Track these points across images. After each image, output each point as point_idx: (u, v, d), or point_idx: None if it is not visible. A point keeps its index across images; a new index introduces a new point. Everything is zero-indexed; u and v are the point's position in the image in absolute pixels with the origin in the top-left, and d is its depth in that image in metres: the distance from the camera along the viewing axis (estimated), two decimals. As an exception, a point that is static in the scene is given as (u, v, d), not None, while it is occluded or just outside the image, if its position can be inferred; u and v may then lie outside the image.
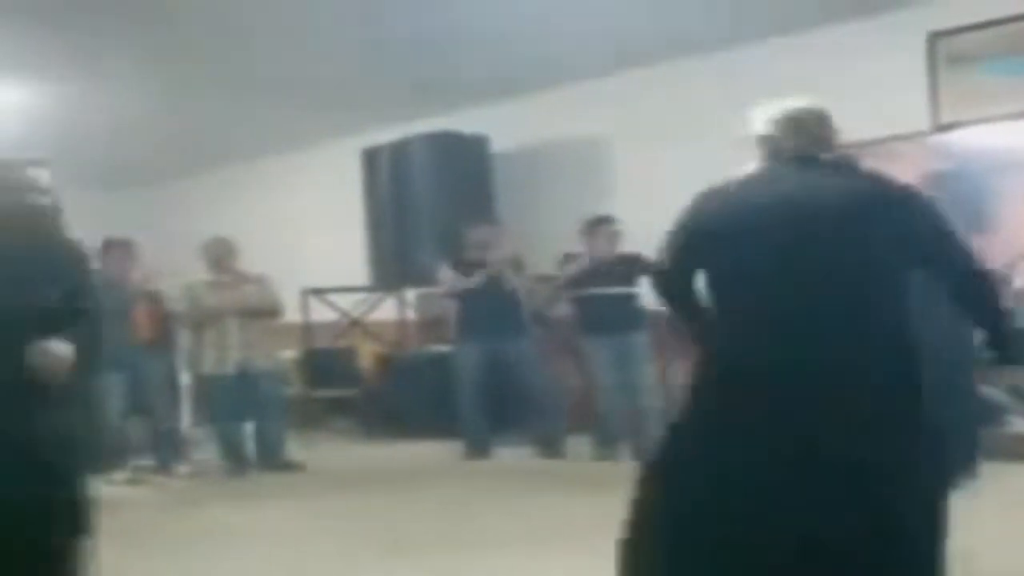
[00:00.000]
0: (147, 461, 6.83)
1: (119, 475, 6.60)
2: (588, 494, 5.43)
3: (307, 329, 8.45)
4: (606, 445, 6.49)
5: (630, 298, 6.43)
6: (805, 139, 2.85)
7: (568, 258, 6.62)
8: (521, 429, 6.92)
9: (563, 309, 6.99)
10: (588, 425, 7.02)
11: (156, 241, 7.75)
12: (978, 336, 4.84)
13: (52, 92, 7.09)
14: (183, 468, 6.77)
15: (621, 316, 6.38)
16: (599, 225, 6.55)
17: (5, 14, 5.55)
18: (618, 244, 6.50)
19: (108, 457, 6.67)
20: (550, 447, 6.68)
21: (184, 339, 7.19)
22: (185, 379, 7.31)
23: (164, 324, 6.80)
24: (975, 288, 2.72)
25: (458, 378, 6.88)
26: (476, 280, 6.70)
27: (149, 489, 6.46)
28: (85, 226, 8.36)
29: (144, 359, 6.70)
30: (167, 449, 6.85)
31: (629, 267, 6.32)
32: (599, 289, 6.40)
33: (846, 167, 2.86)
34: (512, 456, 6.76)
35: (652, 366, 6.47)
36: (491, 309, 6.66)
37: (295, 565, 4.30)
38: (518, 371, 6.72)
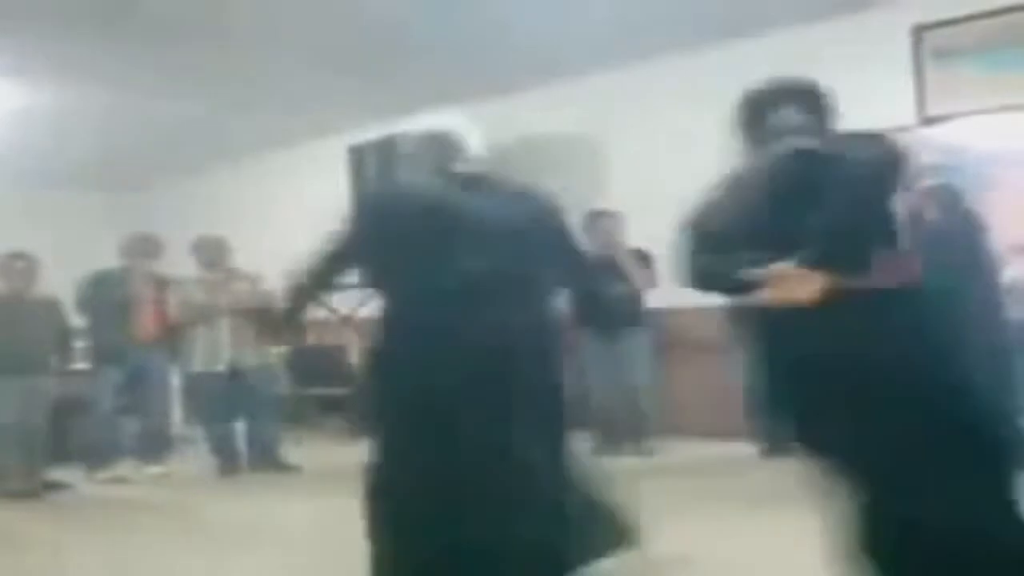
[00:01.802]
0: (132, 460, 6.84)
1: (102, 474, 6.60)
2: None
3: (297, 327, 8.42)
4: (607, 442, 6.43)
5: (634, 295, 6.36)
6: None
7: None
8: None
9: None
10: (580, 422, 7.03)
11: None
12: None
13: (44, 94, 7.08)
14: (155, 468, 6.77)
15: (624, 314, 6.29)
16: (599, 219, 6.45)
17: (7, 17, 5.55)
18: (620, 238, 6.43)
19: (97, 455, 6.69)
20: None
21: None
22: (175, 377, 7.30)
23: (171, 322, 6.80)
24: None
25: None
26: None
27: (142, 488, 6.46)
28: (83, 226, 8.46)
29: (145, 357, 6.70)
30: (153, 447, 6.86)
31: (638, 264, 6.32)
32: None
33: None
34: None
35: (651, 365, 6.44)
36: None
37: (300, 565, 4.32)
38: None
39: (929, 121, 6.10)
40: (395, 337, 3.00)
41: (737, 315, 6.02)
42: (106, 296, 6.64)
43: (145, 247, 6.87)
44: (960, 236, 5.05)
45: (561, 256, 3.34)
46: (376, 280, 3.13)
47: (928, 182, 5.30)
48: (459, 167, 3.16)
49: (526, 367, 2.99)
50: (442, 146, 3.27)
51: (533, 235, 3.14)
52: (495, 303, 2.94)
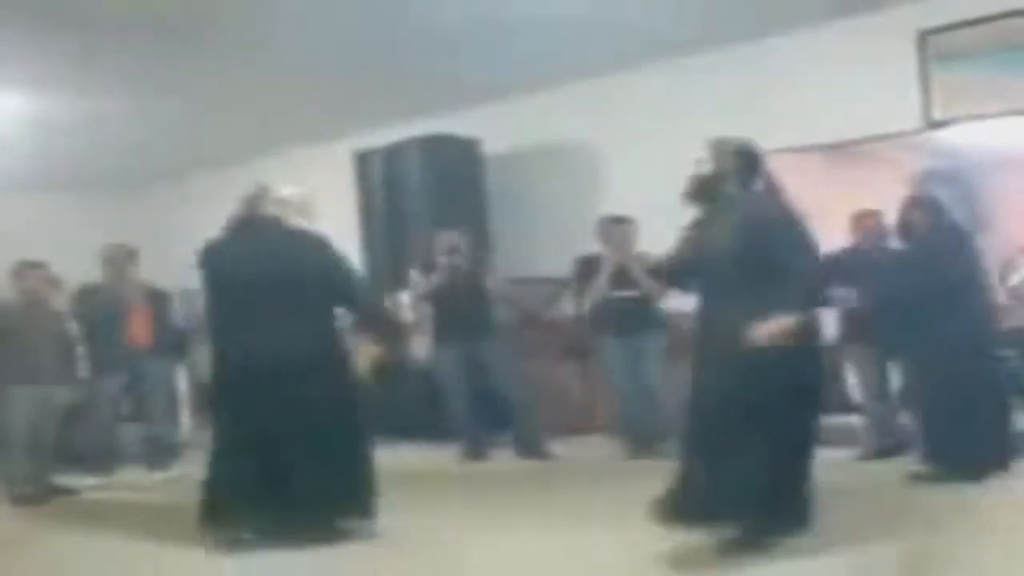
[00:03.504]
0: (139, 466, 6.86)
1: (94, 480, 6.61)
2: (574, 494, 5.45)
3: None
4: (635, 444, 6.42)
5: (646, 300, 6.36)
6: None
7: (584, 262, 6.53)
8: (504, 430, 6.85)
9: (562, 310, 6.98)
10: (589, 426, 7.01)
11: (150, 245, 7.75)
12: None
13: (46, 99, 7.09)
14: (161, 474, 6.77)
15: (635, 318, 6.31)
16: (616, 225, 6.47)
17: (8, 26, 5.57)
18: (633, 245, 6.42)
19: (99, 461, 6.71)
20: (528, 448, 6.65)
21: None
22: (184, 384, 7.32)
23: (169, 329, 6.80)
24: None
25: (440, 382, 6.85)
26: (436, 280, 6.67)
27: (148, 494, 6.45)
28: (83, 230, 8.49)
29: (143, 364, 6.70)
30: (156, 454, 6.86)
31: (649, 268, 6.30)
32: (616, 291, 6.33)
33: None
34: (501, 458, 6.73)
35: (664, 367, 6.37)
36: (462, 312, 6.60)
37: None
38: (492, 373, 6.66)
39: (935, 125, 6.10)
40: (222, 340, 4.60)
41: None
42: (97, 306, 6.65)
43: (124, 255, 6.89)
44: (945, 246, 5.04)
45: (327, 282, 4.54)
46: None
47: (916, 191, 5.31)
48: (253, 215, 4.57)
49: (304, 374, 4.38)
50: (252, 196, 4.64)
51: (298, 269, 4.47)
52: (270, 325, 4.35)
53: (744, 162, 4.08)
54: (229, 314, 4.54)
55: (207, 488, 4.55)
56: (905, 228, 5.21)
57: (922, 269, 5.00)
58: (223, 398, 4.61)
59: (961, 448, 4.83)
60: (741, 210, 3.97)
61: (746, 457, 3.75)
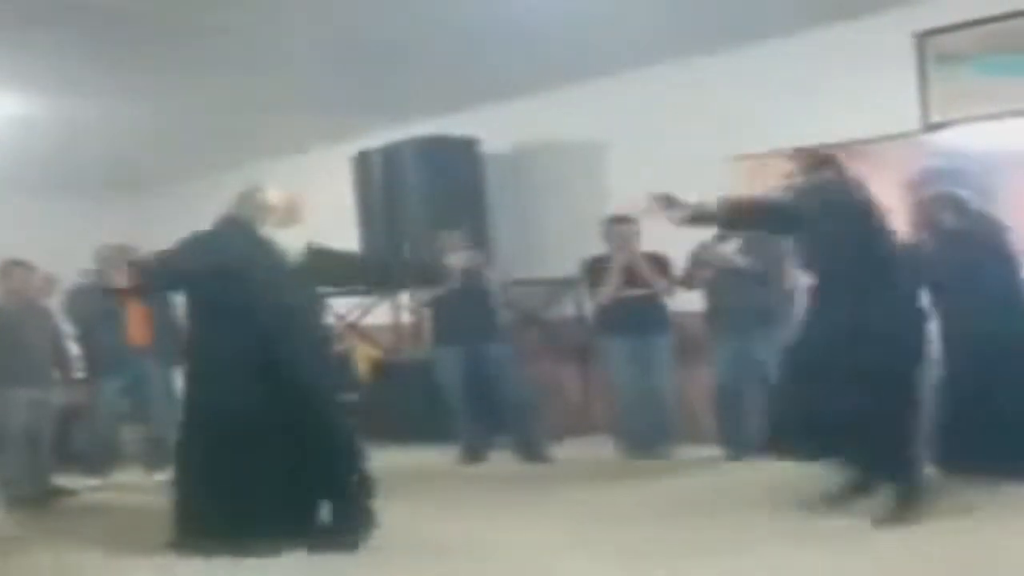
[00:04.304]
0: (138, 467, 6.86)
1: (93, 481, 6.62)
2: (571, 497, 5.46)
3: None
4: (633, 445, 6.45)
5: (653, 298, 6.41)
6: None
7: (593, 262, 6.56)
8: (504, 433, 6.86)
9: (561, 311, 6.96)
10: (587, 427, 7.01)
11: (149, 246, 7.74)
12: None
13: (47, 101, 7.10)
14: (161, 475, 6.77)
15: (643, 317, 6.36)
16: (616, 225, 6.50)
17: (1, 25, 5.56)
18: (637, 244, 6.45)
19: (98, 462, 6.71)
20: (529, 451, 6.66)
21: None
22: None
23: (168, 329, 6.80)
24: None
25: (440, 383, 6.85)
26: (442, 289, 6.64)
27: (146, 495, 6.46)
28: (82, 231, 8.49)
29: (141, 363, 6.70)
30: (155, 455, 6.87)
31: (654, 268, 6.34)
32: (623, 290, 6.37)
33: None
34: (500, 460, 6.74)
35: (672, 368, 6.46)
36: (464, 313, 6.60)
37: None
38: (495, 374, 6.67)
39: (933, 127, 6.10)
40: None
41: (713, 314, 6.10)
42: (93, 306, 6.65)
43: (120, 256, 6.88)
44: (979, 236, 5.05)
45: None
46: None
47: (934, 189, 5.30)
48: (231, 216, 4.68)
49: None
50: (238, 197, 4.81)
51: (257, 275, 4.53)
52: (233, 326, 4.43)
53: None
54: (198, 313, 4.67)
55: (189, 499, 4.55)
56: (930, 226, 5.20)
57: (964, 262, 4.99)
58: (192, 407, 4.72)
59: (995, 445, 4.79)
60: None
61: (843, 400, 4.22)
